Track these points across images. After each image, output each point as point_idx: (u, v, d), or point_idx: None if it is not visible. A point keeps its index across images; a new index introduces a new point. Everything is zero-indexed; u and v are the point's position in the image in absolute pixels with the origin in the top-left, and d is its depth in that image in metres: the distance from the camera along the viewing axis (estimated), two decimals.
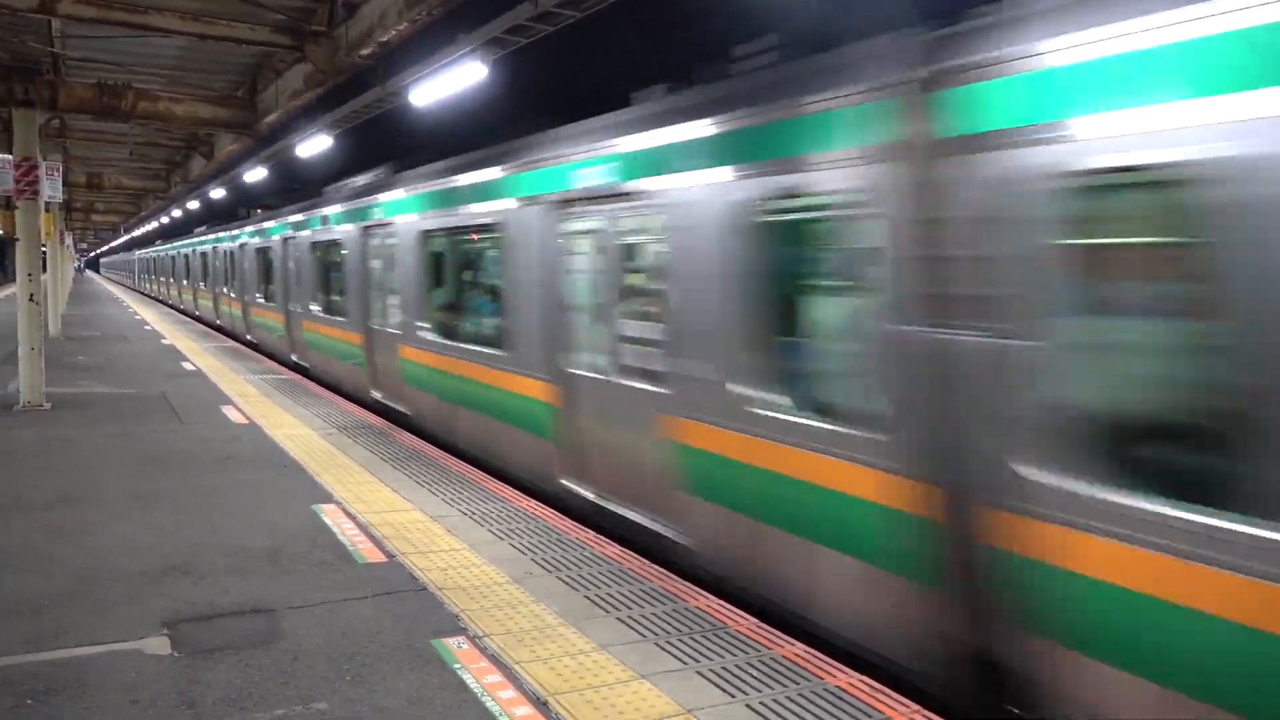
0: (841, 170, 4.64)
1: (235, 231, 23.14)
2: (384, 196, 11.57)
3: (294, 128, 13.95)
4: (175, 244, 37.09)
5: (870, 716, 3.85)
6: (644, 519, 6.46)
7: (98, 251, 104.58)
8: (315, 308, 15.34)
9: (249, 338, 21.18)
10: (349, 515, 6.72)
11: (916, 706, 3.96)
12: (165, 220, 34.05)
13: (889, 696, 4.04)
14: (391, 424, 10.74)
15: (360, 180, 13.81)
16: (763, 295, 5.29)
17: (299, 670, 4.18)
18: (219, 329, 25.30)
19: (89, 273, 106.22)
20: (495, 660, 4.32)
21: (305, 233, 15.65)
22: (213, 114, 13.77)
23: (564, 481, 7.43)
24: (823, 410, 4.94)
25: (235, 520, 6.56)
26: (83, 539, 6.06)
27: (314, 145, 14.08)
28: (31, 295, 11.33)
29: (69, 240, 42.08)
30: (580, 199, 7.10)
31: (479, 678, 4.13)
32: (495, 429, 8.56)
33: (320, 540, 6.12)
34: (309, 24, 10.01)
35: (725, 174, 5.44)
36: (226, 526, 6.40)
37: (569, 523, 6.71)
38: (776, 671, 4.26)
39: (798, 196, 5.03)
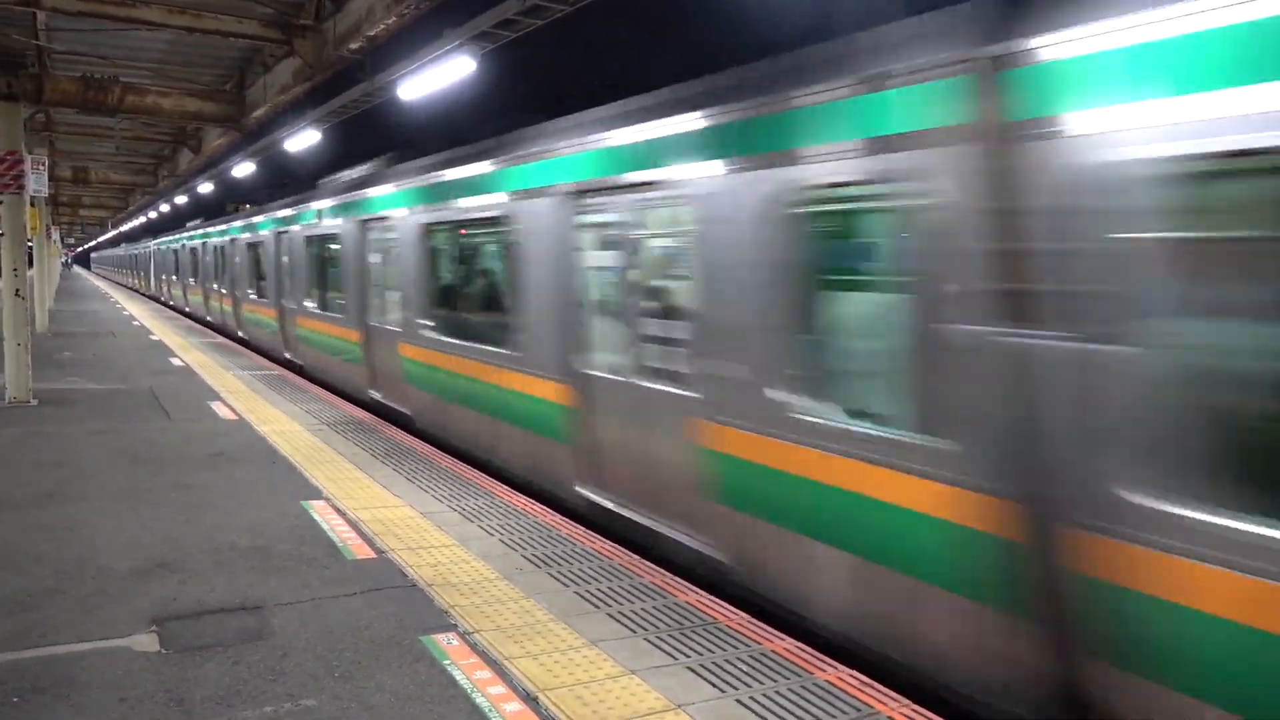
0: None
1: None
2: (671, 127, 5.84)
3: (282, 122, 13.90)
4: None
5: (860, 711, 3.86)
6: None
7: (86, 246, 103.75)
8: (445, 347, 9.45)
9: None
10: (338, 511, 6.71)
11: (906, 700, 3.98)
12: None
13: (879, 691, 4.05)
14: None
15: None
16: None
17: (288, 667, 4.17)
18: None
19: (77, 269, 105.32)
20: (485, 656, 4.31)
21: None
22: (200, 108, 13.72)
23: None
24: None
25: (224, 517, 6.53)
26: (69, 536, 6.03)
27: (302, 140, 14.02)
28: (17, 290, 11.28)
29: (55, 235, 41.84)
30: None
31: (469, 674, 4.13)
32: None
33: (309, 537, 6.10)
34: (297, 18, 9.99)
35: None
36: (215, 523, 6.37)
37: (558, 518, 6.70)
38: (766, 666, 4.27)
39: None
